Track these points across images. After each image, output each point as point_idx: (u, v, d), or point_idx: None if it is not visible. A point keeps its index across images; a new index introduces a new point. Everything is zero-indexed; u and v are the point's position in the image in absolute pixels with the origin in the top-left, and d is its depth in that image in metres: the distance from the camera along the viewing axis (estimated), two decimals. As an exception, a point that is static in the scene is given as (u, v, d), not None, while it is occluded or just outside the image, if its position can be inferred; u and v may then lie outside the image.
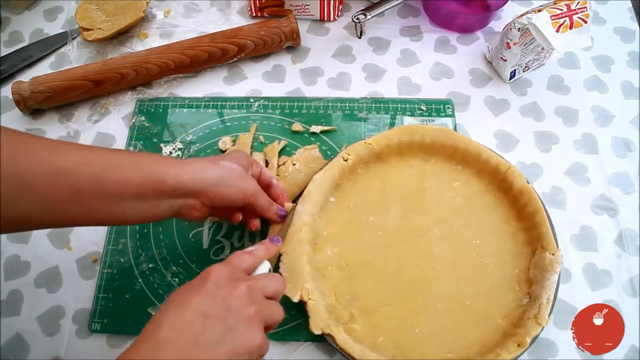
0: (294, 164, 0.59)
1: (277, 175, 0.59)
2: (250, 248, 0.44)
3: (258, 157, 0.60)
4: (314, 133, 0.63)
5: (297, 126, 0.63)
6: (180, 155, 0.62)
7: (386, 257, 0.54)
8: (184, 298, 0.36)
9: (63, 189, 0.37)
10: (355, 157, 0.57)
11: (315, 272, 0.52)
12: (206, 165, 0.45)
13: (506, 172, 0.55)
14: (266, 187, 0.52)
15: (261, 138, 0.63)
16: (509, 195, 0.55)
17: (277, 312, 0.41)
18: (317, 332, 0.48)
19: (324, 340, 0.50)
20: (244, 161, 0.49)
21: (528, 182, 0.54)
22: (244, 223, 0.52)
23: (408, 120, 0.63)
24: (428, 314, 0.51)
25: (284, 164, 0.59)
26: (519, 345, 0.46)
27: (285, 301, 0.53)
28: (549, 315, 0.48)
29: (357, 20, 0.67)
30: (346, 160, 0.56)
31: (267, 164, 0.60)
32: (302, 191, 0.55)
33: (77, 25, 0.71)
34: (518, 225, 0.54)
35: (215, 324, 0.35)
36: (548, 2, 0.61)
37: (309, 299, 0.49)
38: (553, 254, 0.50)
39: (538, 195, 0.53)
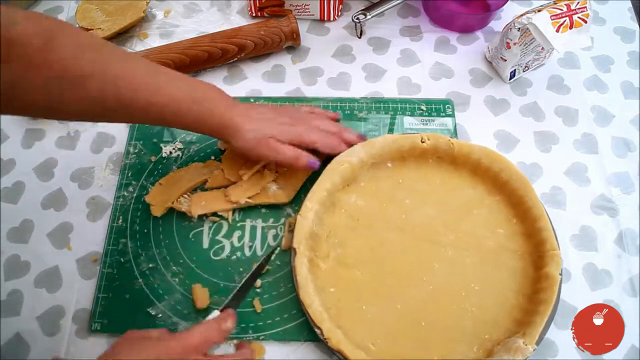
0: None
1: (276, 172, 0.58)
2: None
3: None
4: (314, 133, 0.63)
5: (297, 126, 0.63)
6: (180, 155, 0.62)
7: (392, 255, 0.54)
8: None
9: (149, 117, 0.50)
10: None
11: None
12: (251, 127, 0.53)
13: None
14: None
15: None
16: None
17: None
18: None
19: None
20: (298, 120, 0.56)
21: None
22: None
23: (408, 120, 0.63)
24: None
25: None
26: None
27: (285, 301, 0.53)
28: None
29: (357, 20, 0.67)
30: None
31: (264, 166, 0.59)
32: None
33: (77, 25, 0.71)
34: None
35: None
36: (548, 2, 0.61)
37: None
38: (526, 344, 0.46)
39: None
